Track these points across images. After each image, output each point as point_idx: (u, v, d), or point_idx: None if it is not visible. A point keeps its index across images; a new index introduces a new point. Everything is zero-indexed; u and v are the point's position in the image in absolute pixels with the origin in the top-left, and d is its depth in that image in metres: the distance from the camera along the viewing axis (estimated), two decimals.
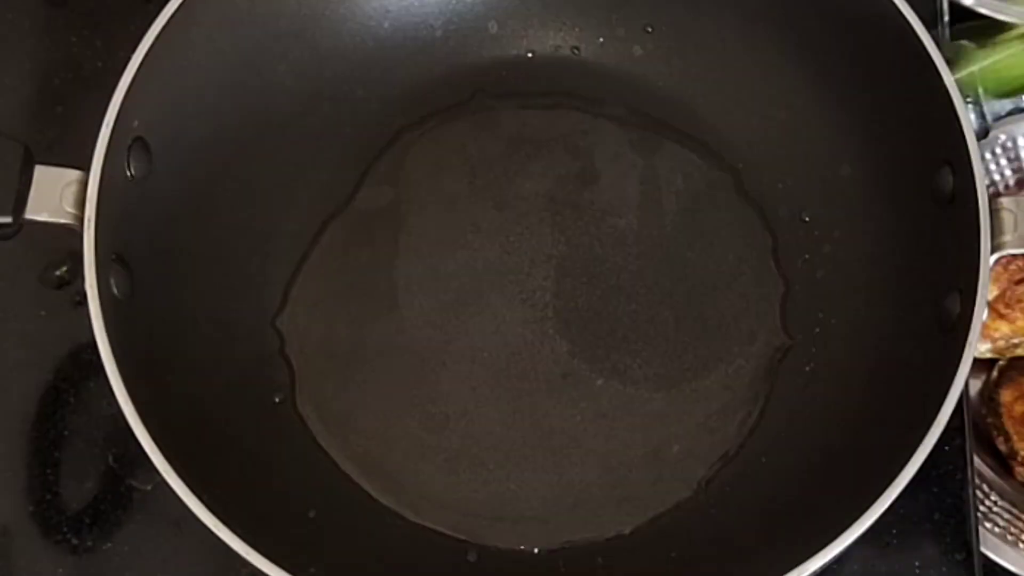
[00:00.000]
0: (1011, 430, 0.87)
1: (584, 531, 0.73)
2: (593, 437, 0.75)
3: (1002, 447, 0.88)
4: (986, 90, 0.88)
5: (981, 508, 0.83)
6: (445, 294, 0.78)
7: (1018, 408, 0.88)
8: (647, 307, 0.78)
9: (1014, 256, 0.88)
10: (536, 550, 0.73)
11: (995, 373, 0.90)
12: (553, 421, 0.76)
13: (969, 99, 0.72)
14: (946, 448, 0.77)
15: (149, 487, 0.76)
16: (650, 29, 0.83)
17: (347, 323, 0.78)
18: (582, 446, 0.75)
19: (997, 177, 0.92)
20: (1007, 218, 0.68)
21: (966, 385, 0.71)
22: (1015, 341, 0.89)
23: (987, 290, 0.66)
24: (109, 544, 0.75)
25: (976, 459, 0.80)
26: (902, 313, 0.73)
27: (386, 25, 0.82)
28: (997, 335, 0.88)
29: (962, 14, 0.90)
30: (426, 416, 0.76)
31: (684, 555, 0.71)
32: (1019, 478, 0.87)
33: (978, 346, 0.72)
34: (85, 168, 0.67)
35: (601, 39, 0.84)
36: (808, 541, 0.63)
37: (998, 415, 0.88)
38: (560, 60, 0.84)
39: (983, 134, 0.72)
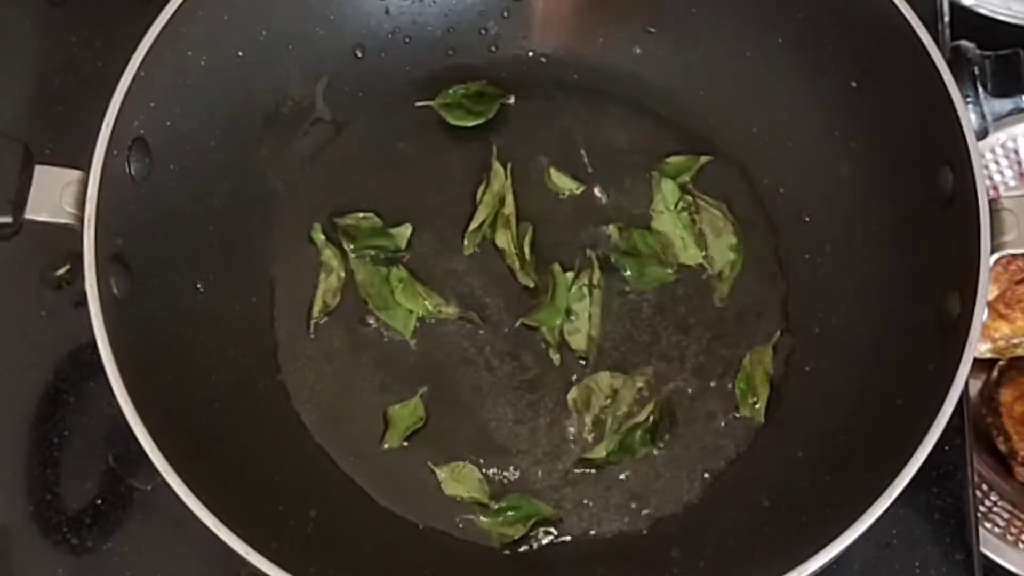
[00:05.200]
0: (1011, 430, 0.87)
1: (587, 530, 0.73)
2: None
3: (1002, 447, 0.88)
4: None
5: (981, 508, 0.83)
6: (446, 292, 0.78)
7: (1018, 408, 0.88)
8: (648, 307, 0.78)
9: (1014, 256, 0.88)
10: (537, 548, 0.73)
11: (995, 373, 0.90)
12: (555, 420, 0.76)
13: (969, 99, 0.72)
14: (946, 448, 0.77)
15: (149, 487, 0.76)
16: (650, 29, 0.83)
17: (347, 322, 0.78)
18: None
19: (997, 177, 0.92)
20: (1007, 218, 0.68)
21: (966, 385, 0.71)
22: (1015, 341, 0.89)
23: (987, 290, 0.66)
24: (109, 544, 0.75)
25: (976, 459, 0.80)
26: (902, 313, 0.73)
27: (386, 25, 0.83)
28: (997, 335, 0.89)
29: (962, 14, 0.91)
30: (427, 416, 0.76)
31: (685, 554, 0.71)
32: (1019, 478, 0.87)
33: (978, 346, 0.71)
34: (85, 168, 0.67)
35: (601, 39, 0.84)
36: (808, 541, 0.63)
37: (998, 415, 0.88)
38: (560, 60, 0.84)
39: (983, 134, 0.72)
